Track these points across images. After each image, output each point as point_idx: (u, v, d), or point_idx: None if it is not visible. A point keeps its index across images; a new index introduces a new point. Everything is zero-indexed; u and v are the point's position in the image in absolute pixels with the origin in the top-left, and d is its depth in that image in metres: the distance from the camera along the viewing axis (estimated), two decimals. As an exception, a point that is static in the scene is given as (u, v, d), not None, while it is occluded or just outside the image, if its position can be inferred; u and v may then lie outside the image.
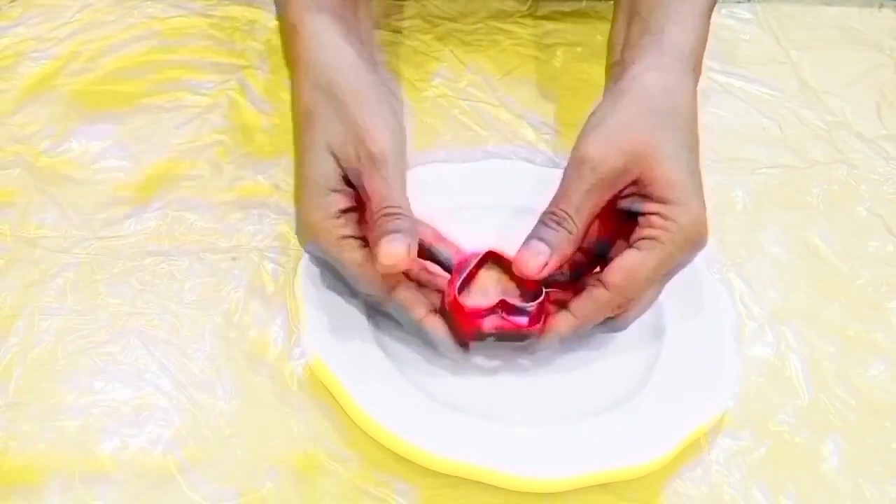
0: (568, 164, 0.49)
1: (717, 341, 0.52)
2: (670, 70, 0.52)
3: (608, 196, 0.48)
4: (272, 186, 0.58)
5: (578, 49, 0.71)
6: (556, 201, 0.48)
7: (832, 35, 0.77)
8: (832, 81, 0.73)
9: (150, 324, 0.51)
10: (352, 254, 0.47)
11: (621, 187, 0.48)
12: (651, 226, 0.47)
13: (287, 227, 0.56)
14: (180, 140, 0.61)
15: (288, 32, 0.55)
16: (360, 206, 0.49)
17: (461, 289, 0.48)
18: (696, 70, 0.54)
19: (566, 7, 0.75)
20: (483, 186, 0.58)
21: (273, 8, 0.71)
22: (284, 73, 0.66)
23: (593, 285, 0.48)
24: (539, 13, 0.75)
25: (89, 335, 0.50)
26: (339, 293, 0.51)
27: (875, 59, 0.75)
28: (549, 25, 0.74)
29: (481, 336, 0.49)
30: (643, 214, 0.48)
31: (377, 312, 0.50)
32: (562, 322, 0.48)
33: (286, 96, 0.64)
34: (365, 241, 0.47)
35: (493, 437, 0.47)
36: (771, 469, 0.48)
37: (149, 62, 0.66)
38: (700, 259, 0.56)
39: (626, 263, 0.47)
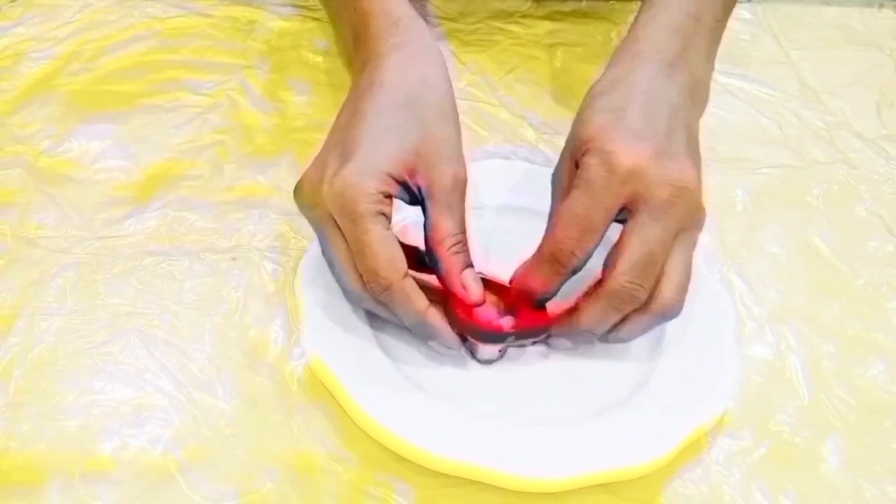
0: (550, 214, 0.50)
1: (717, 341, 0.52)
2: (627, 68, 0.52)
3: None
4: (272, 186, 0.58)
5: (578, 49, 0.71)
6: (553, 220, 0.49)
7: (832, 35, 0.77)
8: (832, 81, 0.73)
9: (150, 324, 0.51)
10: (381, 230, 0.46)
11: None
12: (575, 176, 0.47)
13: (287, 227, 0.56)
14: (180, 140, 0.61)
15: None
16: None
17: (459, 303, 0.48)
18: (671, 63, 0.52)
19: (566, 7, 0.75)
20: (483, 186, 0.58)
21: (273, 8, 0.71)
22: (284, 73, 0.66)
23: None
24: (539, 13, 0.75)
25: (89, 335, 0.50)
26: (339, 293, 0.51)
27: (875, 59, 0.75)
28: (549, 25, 0.74)
29: (501, 337, 0.49)
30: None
31: (371, 306, 0.49)
32: (565, 320, 0.48)
33: (286, 96, 0.64)
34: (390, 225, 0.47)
35: (493, 437, 0.47)
36: (771, 469, 0.48)
37: (149, 62, 0.66)
38: (700, 259, 0.56)
39: (561, 210, 0.47)
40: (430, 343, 0.49)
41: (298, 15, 0.70)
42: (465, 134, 0.51)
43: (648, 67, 0.52)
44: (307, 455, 0.46)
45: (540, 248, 0.48)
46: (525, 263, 0.48)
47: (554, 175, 0.51)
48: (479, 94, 0.68)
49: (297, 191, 0.49)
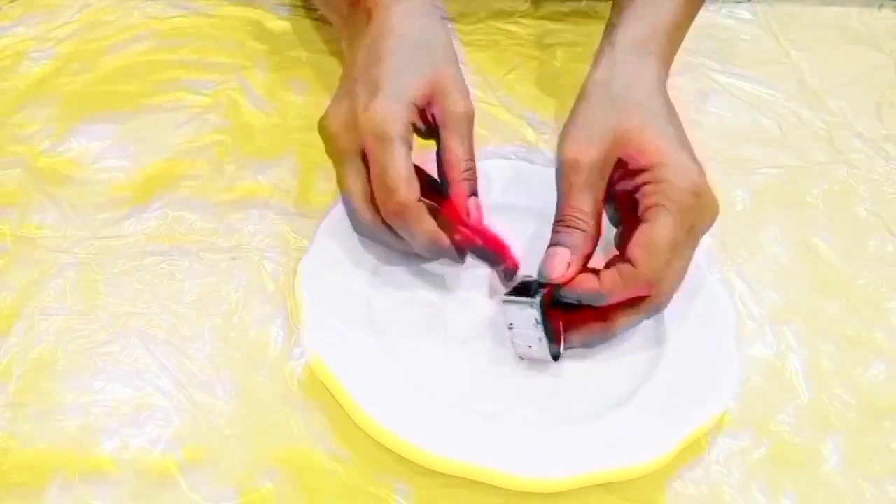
0: (556, 174, 0.50)
1: (717, 341, 0.52)
2: (621, 62, 0.54)
3: (602, 187, 0.50)
4: (272, 186, 0.58)
5: (578, 49, 0.71)
6: (559, 208, 0.50)
7: (832, 35, 0.77)
8: (832, 81, 0.73)
9: (150, 324, 0.51)
10: (405, 154, 0.49)
11: (609, 175, 0.50)
12: (647, 195, 0.49)
13: (287, 227, 0.56)
14: (180, 140, 0.61)
15: None
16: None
17: None
18: (657, 53, 0.56)
19: (566, 7, 0.75)
20: (483, 186, 0.58)
21: (273, 8, 0.71)
22: (285, 73, 0.66)
23: (618, 262, 0.49)
24: (539, 13, 0.75)
25: (89, 335, 0.50)
26: (339, 293, 0.51)
27: (875, 59, 0.75)
28: (549, 25, 0.74)
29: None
30: (637, 190, 0.49)
31: (381, 238, 0.51)
32: (585, 279, 0.48)
33: (286, 96, 0.64)
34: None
35: (493, 437, 0.47)
36: (771, 469, 0.48)
37: (149, 62, 0.66)
38: (700, 259, 0.56)
39: (641, 237, 0.48)
40: (437, 260, 0.52)
41: (298, 15, 0.70)
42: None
43: (658, 69, 0.55)
44: (307, 455, 0.46)
45: (628, 269, 0.48)
46: (609, 274, 0.48)
47: (572, 157, 0.50)
48: (479, 94, 0.68)
49: (325, 124, 0.52)
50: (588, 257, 0.49)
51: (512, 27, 0.73)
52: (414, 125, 0.51)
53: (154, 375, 0.48)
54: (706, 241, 0.58)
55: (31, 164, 0.58)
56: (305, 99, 0.64)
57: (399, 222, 0.49)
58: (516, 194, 0.58)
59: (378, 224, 0.50)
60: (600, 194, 0.50)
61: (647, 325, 0.52)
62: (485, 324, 0.52)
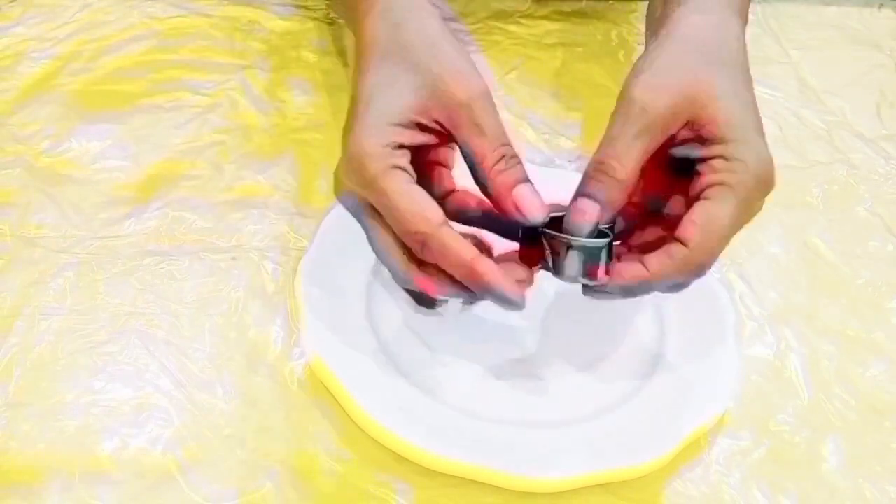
0: (614, 110, 0.45)
1: (717, 341, 0.52)
2: (714, 11, 0.49)
3: (659, 140, 0.45)
4: (272, 186, 0.58)
5: (578, 49, 0.71)
6: (601, 149, 0.45)
7: (832, 35, 0.77)
8: (832, 81, 0.73)
9: (150, 324, 0.51)
10: (399, 184, 0.43)
11: (673, 131, 0.45)
12: (715, 170, 0.44)
13: (287, 227, 0.56)
14: (180, 140, 0.61)
15: None
16: (423, 150, 0.46)
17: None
18: (742, 16, 0.50)
19: (566, 7, 0.75)
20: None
21: (273, 8, 0.71)
22: (285, 73, 0.66)
23: (670, 243, 0.44)
24: (539, 13, 0.75)
25: (89, 335, 0.50)
26: (339, 293, 0.51)
27: (875, 59, 0.75)
28: (549, 25, 0.74)
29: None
30: (703, 161, 0.44)
31: (424, 284, 0.45)
32: (630, 270, 0.44)
33: (286, 96, 0.64)
34: (413, 177, 0.44)
35: (493, 437, 0.47)
36: (771, 469, 0.48)
37: (149, 62, 0.66)
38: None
39: (700, 217, 0.43)
40: (491, 299, 0.44)
41: (298, 15, 0.70)
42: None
43: (741, 25, 0.49)
44: (307, 455, 0.46)
45: (679, 251, 0.44)
46: (657, 258, 0.44)
47: (639, 97, 0.45)
48: (479, 94, 0.68)
49: (334, 187, 0.47)
50: (615, 210, 0.44)
51: (512, 27, 0.73)
52: (403, 146, 0.44)
53: (154, 375, 0.48)
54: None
55: (31, 164, 0.58)
56: (305, 99, 0.64)
57: (429, 258, 0.43)
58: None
59: (414, 271, 0.44)
60: (653, 148, 0.44)
61: (647, 324, 0.52)
62: (485, 323, 0.52)
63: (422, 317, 0.51)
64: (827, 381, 0.52)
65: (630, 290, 0.45)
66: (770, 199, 0.62)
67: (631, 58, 0.70)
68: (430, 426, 0.47)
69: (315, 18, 0.70)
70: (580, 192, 0.44)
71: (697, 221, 0.43)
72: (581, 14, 0.74)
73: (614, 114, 0.45)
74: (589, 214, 0.44)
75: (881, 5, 0.81)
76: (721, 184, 0.44)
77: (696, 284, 0.54)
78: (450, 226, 0.43)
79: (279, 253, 0.55)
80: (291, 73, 0.66)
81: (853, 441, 0.50)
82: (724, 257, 0.57)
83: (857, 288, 0.58)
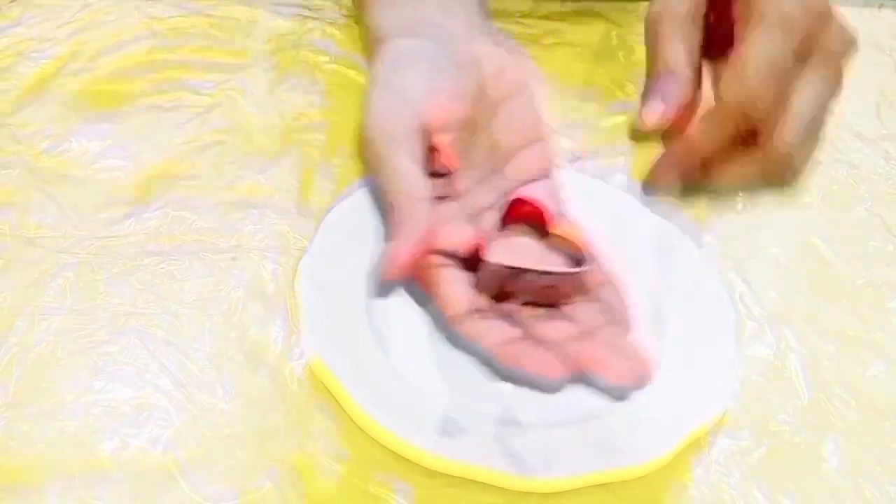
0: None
1: (717, 341, 0.52)
2: None
3: (697, 35, 0.40)
4: (272, 186, 0.58)
5: (578, 49, 0.71)
6: (648, 70, 0.41)
7: (832, 35, 0.77)
8: (832, 81, 0.72)
9: (150, 324, 0.51)
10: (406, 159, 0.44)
11: (704, 20, 0.41)
12: (742, 18, 0.39)
13: (287, 227, 0.56)
14: (180, 140, 0.61)
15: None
16: None
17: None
18: None
19: (566, 7, 0.75)
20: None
21: (273, 8, 0.71)
22: (285, 73, 0.66)
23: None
24: (539, 13, 0.75)
25: (89, 335, 0.50)
26: (339, 293, 0.51)
27: (875, 59, 0.75)
28: (549, 25, 0.74)
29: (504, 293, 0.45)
30: (735, 22, 0.39)
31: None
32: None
33: (286, 96, 0.64)
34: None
35: (493, 437, 0.47)
36: (771, 469, 0.48)
37: (149, 62, 0.66)
38: (700, 259, 0.56)
39: (728, 62, 0.38)
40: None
41: (298, 15, 0.70)
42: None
43: None
44: (307, 455, 0.46)
45: (714, 106, 0.39)
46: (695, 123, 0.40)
47: (656, 11, 0.41)
48: (479, 94, 0.68)
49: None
50: (682, 102, 0.39)
51: (512, 27, 0.73)
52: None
53: (154, 375, 0.48)
54: (706, 241, 0.58)
55: (31, 164, 0.58)
56: (305, 99, 0.64)
57: (394, 226, 0.44)
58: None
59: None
60: (695, 43, 0.40)
61: (646, 324, 0.52)
62: (485, 324, 0.52)
63: (422, 317, 0.51)
64: (827, 381, 0.52)
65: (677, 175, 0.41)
66: (769, 200, 0.63)
67: (631, 58, 0.70)
68: (430, 426, 0.47)
69: (315, 18, 0.70)
70: (641, 97, 0.40)
71: (726, 67, 0.38)
72: (581, 14, 0.74)
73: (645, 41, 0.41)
74: (653, 107, 0.39)
75: (881, 5, 0.81)
76: (749, 23, 0.38)
77: (696, 284, 0.54)
78: (428, 201, 0.43)
79: (279, 253, 0.55)
80: (291, 73, 0.66)
81: (853, 441, 0.50)
82: (724, 257, 0.58)
83: (857, 288, 0.58)
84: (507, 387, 0.50)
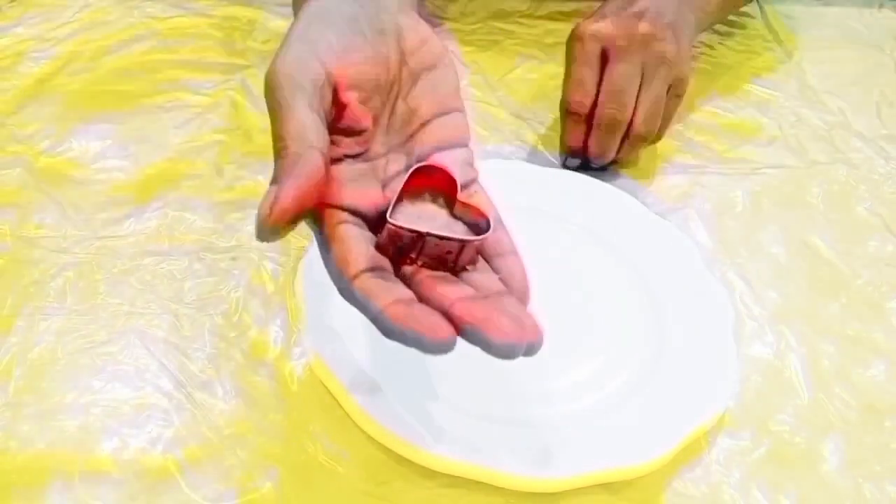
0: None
1: (717, 341, 0.52)
2: None
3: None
4: (272, 186, 0.58)
5: (578, 49, 0.71)
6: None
7: (832, 35, 0.77)
8: (832, 81, 0.73)
9: (150, 324, 0.51)
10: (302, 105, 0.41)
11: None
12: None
13: (287, 227, 0.56)
14: (180, 140, 0.61)
15: None
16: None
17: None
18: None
19: (566, 7, 0.75)
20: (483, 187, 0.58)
21: (273, 8, 0.71)
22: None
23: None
24: (539, 13, 0.75)
25: (89, 335, 0.50)
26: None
27: (875, 59, 0.75)
28: (549, 25, 0.74)
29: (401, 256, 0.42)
30: None
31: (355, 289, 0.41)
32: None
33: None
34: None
35: (493, 437, 0.47)
36: (771, 469, 0.48)
37: (149, 62, 0.66)
38: (700, 259, 0.56)
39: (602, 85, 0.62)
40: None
41: (298, 15, 0.70)
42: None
43: None
44: (307, 455, 0.46)
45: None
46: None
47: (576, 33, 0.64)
48: (479, 94, 0.68)
49: None
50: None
51: (512, 27, 0.73)
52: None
53: (154, 375, 0.48)
54: (705, 241, 0.59)
55: (31, 164, 0.58)
56: (305, 99, 0.64)
57: (282, 167, 0.40)
58: (516, 194, 0.58)
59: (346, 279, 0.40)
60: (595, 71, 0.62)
61: (647, 325, 0.52)
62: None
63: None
64: (827, 381, 0.52)
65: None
66: (769, 200, 0.63)
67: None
68: (430, 426, 0.47)
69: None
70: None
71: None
72: (581, 14, 0.74)
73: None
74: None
75: (881, 5, 0.81)
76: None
77: (696, 284, 0.54)
78: (322, 153, 0.41)
79: (279, 253, 0.55)
80: (291, 73, 0.66)
81: (853, 441, 0.50)
82: (724, 257, 0.58)
83: (857, 288, 0.58)
84: (508, 387, 0.50)
